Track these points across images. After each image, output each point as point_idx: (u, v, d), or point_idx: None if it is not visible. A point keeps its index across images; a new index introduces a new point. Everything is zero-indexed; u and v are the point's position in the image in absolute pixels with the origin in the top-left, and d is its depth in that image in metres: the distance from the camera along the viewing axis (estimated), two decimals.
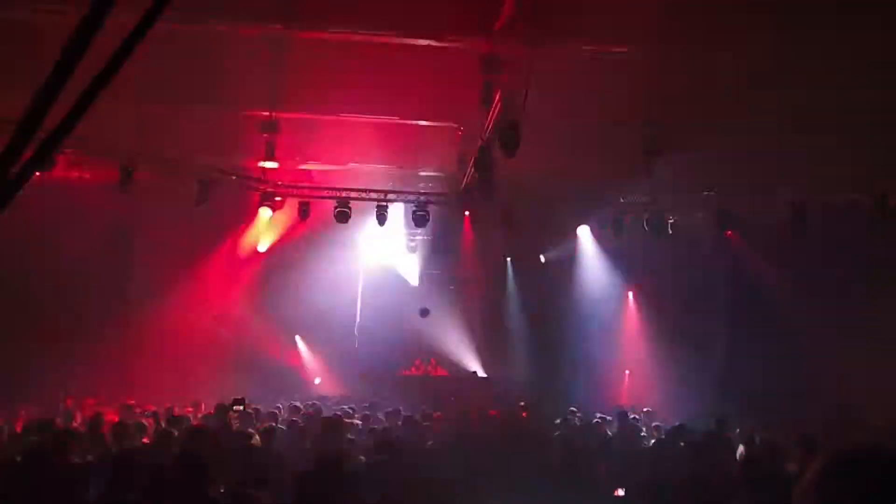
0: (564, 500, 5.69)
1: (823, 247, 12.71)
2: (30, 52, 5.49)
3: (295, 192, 13.73)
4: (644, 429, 10.48)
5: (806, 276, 13.22)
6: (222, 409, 9.45)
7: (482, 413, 12.17)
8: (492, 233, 15.55)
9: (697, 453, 7.25)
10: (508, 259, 18.61)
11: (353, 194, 13.59)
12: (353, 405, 11.85)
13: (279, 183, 13.47)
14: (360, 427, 9.55)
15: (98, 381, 12.86)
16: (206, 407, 11.06)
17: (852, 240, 12.32)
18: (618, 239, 14.91)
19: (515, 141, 8.71)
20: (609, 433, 9.77)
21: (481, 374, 18.03)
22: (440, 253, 17.70)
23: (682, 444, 8.15)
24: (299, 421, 9.34)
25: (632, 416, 10.94)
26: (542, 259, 18.07)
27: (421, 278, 18.57)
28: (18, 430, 8.74)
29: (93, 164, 12.28)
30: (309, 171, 14.06)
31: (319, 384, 17.12)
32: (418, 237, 17.48)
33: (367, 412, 11.05)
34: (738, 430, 9.48)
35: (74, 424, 9.68)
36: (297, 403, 11.80)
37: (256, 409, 10.09)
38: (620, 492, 6.62)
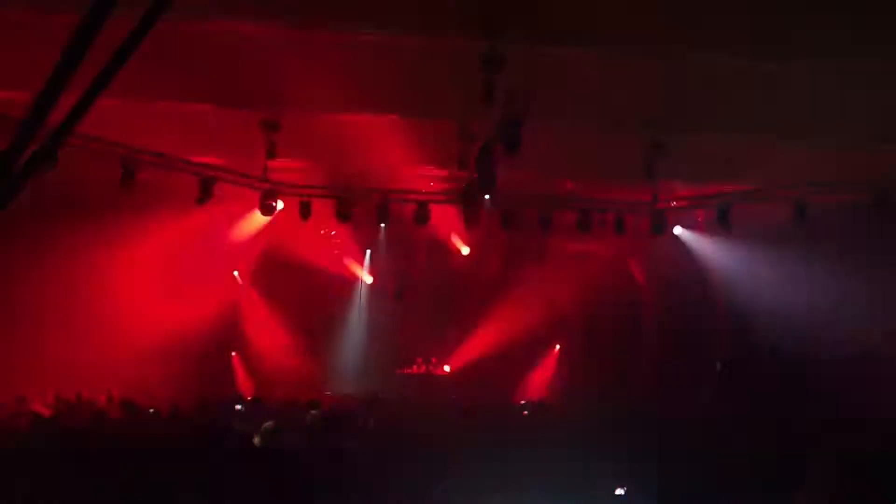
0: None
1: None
2: (30, 52, 5.49)
3: (295, 191, 13.73)
4: None
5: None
6: None
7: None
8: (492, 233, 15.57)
9: None
10: None
11: (354, 193, 13.62)
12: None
13: (280, 182, 13.47)
14: None
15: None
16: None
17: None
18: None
19: (517, 140, 8.72)
20: None
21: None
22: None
23: None
24: None
25: None
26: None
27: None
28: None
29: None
30: (309, 171, 14.06)
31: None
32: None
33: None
34: None
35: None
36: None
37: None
38: (620, 491, 6.61)
